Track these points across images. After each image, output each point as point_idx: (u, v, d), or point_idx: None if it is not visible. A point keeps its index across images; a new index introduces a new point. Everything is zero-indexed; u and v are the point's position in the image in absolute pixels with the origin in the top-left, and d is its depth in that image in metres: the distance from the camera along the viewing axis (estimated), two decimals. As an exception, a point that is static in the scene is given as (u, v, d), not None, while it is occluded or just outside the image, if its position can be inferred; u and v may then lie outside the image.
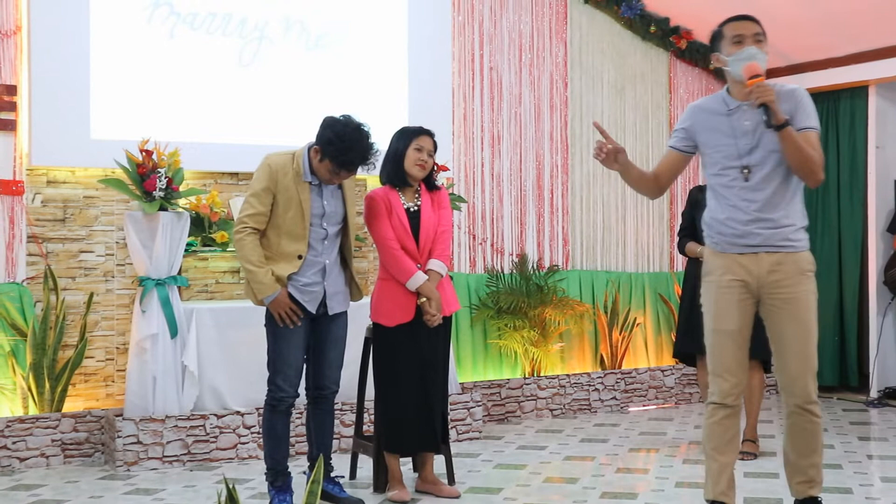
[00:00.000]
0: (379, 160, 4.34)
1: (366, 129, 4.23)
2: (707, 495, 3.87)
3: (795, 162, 3.66)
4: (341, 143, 4.15)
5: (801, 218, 3.80)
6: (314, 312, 4.35)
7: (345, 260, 4.48)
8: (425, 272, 4.53)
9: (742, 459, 5.37)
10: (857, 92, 7.61)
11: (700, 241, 5.55)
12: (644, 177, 3.98)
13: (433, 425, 4.61)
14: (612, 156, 3.82)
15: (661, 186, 4.02)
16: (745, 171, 3.74)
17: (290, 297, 4.27)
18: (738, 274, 3.78)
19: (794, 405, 3.77)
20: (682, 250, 5.73)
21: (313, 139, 4.29)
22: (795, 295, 3.73)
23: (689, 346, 5.71)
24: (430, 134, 4.64)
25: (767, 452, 5.55)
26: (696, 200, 5.68)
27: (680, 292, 6.07)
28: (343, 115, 4.27)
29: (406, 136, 4.61)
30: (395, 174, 4.61)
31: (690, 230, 5.68)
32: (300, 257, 4.27)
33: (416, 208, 4.61)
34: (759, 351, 5.50)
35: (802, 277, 3.75)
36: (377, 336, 4.64)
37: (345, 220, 4.43)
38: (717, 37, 3.85)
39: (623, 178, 3.98)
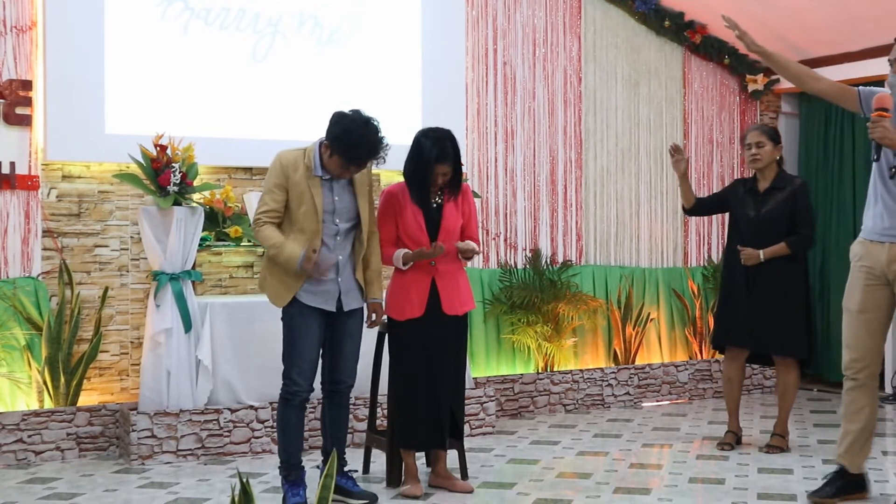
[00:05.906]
0: (388, 154, 4.28)
1: (374, 123, 4.22)
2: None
3: None
4: (349, 139, 4.15)
5: None
6: (333, 310, 4.37)
7: (358, 257, 4.48)
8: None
9: (768, 453, 5.39)
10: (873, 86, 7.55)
11: (695, 213, 5.81)
12: (807, 71, 4.60)
13: (440, 422, 4.59)
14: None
15: (815, 85, 4.54)
16: (892, 169, 4.11)
17: (305, 304, 4.31)
18: (867, 261, 4.24)
19: None
20: (687, 209, 5.79)
21: (325, 134, 4.29)
22: None
23: (722, 339, 5.66)
24: (448, 160, 4.46)
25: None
26: (735, 191, 5.67)
27: (720, 285, 5.91)
28: (352, 110, 4.25)
29: (427, 165, 4.44)
30: (417, 191, 4.55)
31: (708, 200, 5.87)
32: (314, 251, 4.28)
33: (435, 205, 4.59)
34: (795, 350, 5.47)
35: None
36: (390, 330, 4.66)
37: (358, 217, 4.42)
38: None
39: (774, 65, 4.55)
